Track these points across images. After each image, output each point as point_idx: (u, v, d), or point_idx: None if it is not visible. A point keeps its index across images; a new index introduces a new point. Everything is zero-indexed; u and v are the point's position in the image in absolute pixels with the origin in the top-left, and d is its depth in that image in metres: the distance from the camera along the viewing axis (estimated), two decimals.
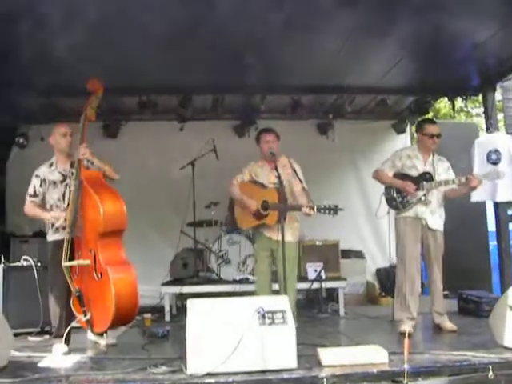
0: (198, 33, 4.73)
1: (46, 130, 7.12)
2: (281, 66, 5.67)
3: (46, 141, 7.01)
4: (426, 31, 4.89)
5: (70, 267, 4.25)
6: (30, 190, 4.46)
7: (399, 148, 7.15)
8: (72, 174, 4.44)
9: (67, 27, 4.32)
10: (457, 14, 4.58)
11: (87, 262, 4.19)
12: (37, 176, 4.48)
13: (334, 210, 4.36)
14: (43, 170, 4.51)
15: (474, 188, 4.74)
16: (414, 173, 4.92)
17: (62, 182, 4.50)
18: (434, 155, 5.01)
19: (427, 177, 4.85)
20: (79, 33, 4.37)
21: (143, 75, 5.64)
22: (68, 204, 4.39)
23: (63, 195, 4.48)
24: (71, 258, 4.26)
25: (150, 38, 4.69)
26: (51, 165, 4.54)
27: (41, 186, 4.45)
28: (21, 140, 7.21)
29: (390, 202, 5.04)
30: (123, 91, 6.19)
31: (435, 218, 4.87)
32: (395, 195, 4.97)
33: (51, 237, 4.49)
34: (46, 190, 4.46)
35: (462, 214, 7.18)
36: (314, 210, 4.44)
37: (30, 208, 4.48)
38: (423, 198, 4.81)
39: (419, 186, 4.83)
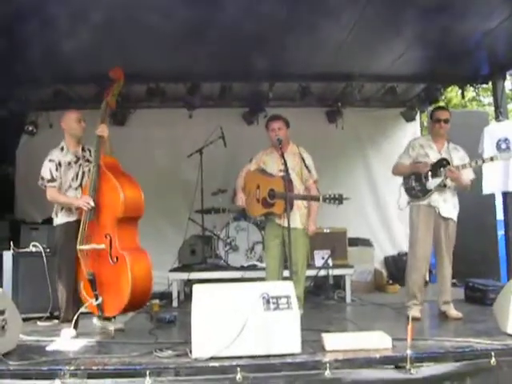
0: (206, 22, 4.74)
1: (55, 117, 7.20)
2: (289, 53, 5.67)
3: (55, 128, 7.17)
4: (435, 19, 4.85)
5: (82, 251, 4.27)
6: (47, 175, 4.39)
7: (410, 137, 7.20)
8: (84, 156, 4.54)
9: (76, 17, 4.36)
10: (467, 2, 4.56)
11: (102, 246, 4.23)
12: (51, 160, 4.42)
13: (339, 199, 4.36)
14: (56, 154, 4.46)
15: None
16: (427, 161, 4.91)
17: (75, 162, 4.52)
18: (448, 143, 4.98)
19: (444, 163, 4.81)
20: (88, 22, 4.40)
21: (152, 63, 5.67)
22: (80, 184, 4.47)
23: (76, 175, 4.51)
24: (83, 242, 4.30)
25: (158, 26, 4.70)
26: (62, 149, 4.52)
27: (57, 170, 4.41)
28: (30, 128, 7.28)
29: (410, 191, 5.02)
30: (132, 79, 6.10)
31: (448, 206, 4.86)
32: (414, 184, 4.97)
33: (62, 219, 4.46)
34: (62, 173, 4.44)
35: (471, 204, 7.14)
36: (319, 199, 4.44)
37: (53, 193, 4.40)
38: (442, 184, 4.79)
39: (437, 172, 4.80)
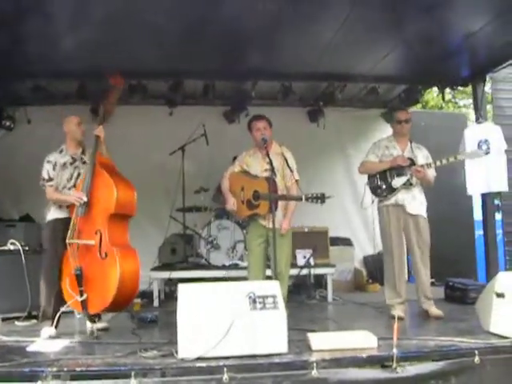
0: (189, 19, 4.69)
1: (32, 112, 7.11)
2: (272, 52, 5.63)
3: (34, 123, 7.06)
4: (418, 21, 4.90)
5: (70, 245, 4.28)
6: (45, 175, 4.54)
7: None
8: (81, 158, 4.66)
9: (60, 13, 4.28)
10: (451, 4, 4.60)
11: (92, 242, 4.25)
12: (48, 161, 4.58)
13: (321, 198, 4.36)
14: (54, 156, 4.62)
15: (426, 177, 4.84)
16: None
17: (71, 163, 4.65)
18: (411, 143, 5.07)
19: (409, 162, 4.91)
20: (71, 19, 4.33)
21: (134, 59, 5.57)
22: (74, 184, 4.57)
23: (71, 175, 4.62)
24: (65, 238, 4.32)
25: (141, 22, 4.65)
26: (61, 151, 4.67)
27: (53, 169, 4.56)
28: (7, 123, 7.13)
29: (375, 190, 5.09)
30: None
31: (416, 203, 4.92)
32: (379, 183, 5.03)
33: (51, 215, 4.56)
34: (58, 173, 4.57)
35: (449, 204, 7.29)
36: (301, 199, 4.44)
37: (52, 193, 4.54)
38: (408, 183, 4.88)
39: (402, 171, 4.89)
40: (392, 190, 4.94)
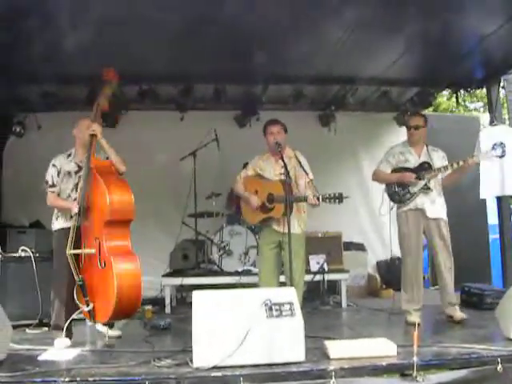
0: (200, 24, 4.69)
1: (43, 118, 7.11)
2: (283, 56, 5.62)
3: (44, 129, 7.05)
4: (431, 24, 4.87)
5: (77, 256, 4.17)
6: (48, 179, 4.42)
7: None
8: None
9: (67, 16, 4.25)
10: (464, 6, 4.56)
11: (92, 250, 4.13)
12: (54, 165, 4.44)
13: (339, 198, 4.32)
14: (60, 160, 4.47)
15: (469, 168, 4.78)
16: (410, 166, 4.94)
17: (76, 172, 4.46)
18: (427, 146, 5.00)
19: (425, 166, 4.87)
20: (79, 22, 4.30)
21: (144, 64, 5.57)
22: (79, 193, 4.37)
23: (76, 185, 4.43)
24: (77, 247, 4.19)
25: (151, 27, 4.63)
26: (69, 155, 4.51)
27: (58, 175, 4.43)
28: (18, 129, 7.12)
29: (393, 196, 5.04)
30: (124, 80, 6.06)
31: (435, 207, 4.85)
32: (397, 189, 4.98)
33: (59, 224, 4.43)
34: (62, 181, 4.43)
35: (462, 208, 7.18)
36: (319, 200, 4.38)
37: (53, 199, 4.42)
38: (425, 187, 4.83)
39: (419, 175, 4.84)
40: (411, 195, 4.88)
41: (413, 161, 4.94)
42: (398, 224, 5.01)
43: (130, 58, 5.29)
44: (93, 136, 4.38)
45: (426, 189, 4.83)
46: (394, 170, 5.01)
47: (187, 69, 5.89)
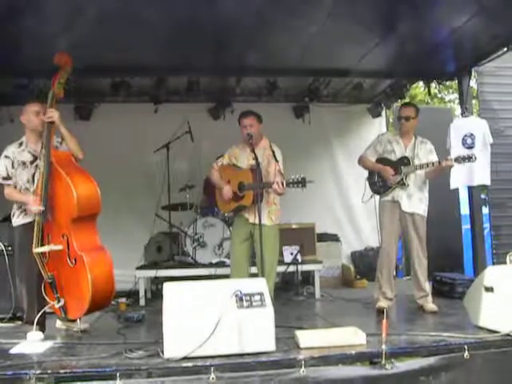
0: (173, 16, 4.64)
1: (15, 111, 6.91)
2: (257, 48, 5.59)
3: (17, 122, 6.91)
4: (402, 16, 4.90)
5: (41, 253, 4.08)
6: (2, 173, 4.23)
7: (376, 132, 7.25)
8: (43, 156, 4.22)
9: (38, 4, 4.19)
10: None
11: (59, 247, 4.02)
12: (6, 157, 4.24)
13: (302, 182, 4.34)
14: (12, 151, 4.27)
15: (446, 169, 4.84)
16: (392, 157, 5.01)
17: (31, 162, 4.27)
18: (416, 138, 5.04)
19: (405, 161, 4.93)
20: (51, 11, 4.24)
21: (117, 55, 5.50)
22: (37, 186, 4.19)
23: (33, 176, 4.27)
24: (41, 243, 4.09)
25: (125, 19, 4.58)
26: (21, 144, 4.32)
27: (12, 167, 4.24)
28: None
29: (372, 186, 5.17)
30: (96, 72, 6.02)
31: (413, 200, 4.92)
32: (377, 180, 5.10)
33: (19, 220, 4.30)
34: (16, 172, 4.26)
35: (436, 199, 7.23)
36: (283, 185, 4.40)
37: (10, 191, 4.24)
38: (401, 182, 4.90)
39: (397, 170, 4.92)
40: (387, 188, 4.99)
41: (398, 152, 4.99)
42: (379, 213, 5.16)
43: (102, 50, 5.24)
44: (51, 123, 4.17)
45: (402, 184, 4.90)
46: (379, 159, 5.08)
47: (160, 60, 5.82)
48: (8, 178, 4.25)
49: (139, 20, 4.63)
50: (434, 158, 4.93)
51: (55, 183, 4.10)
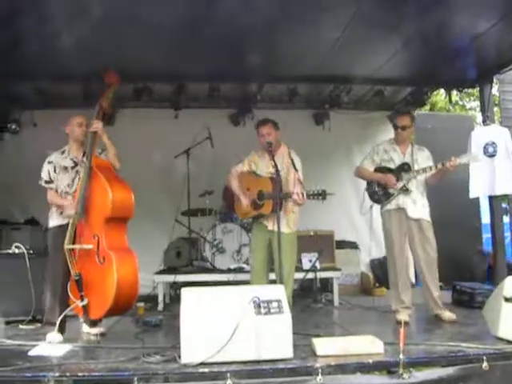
0: (196, 23, 4.69)
1: (38, 115, 7.11)
2: (278, 55, 5.64)
3: (40, 127, 7.06)
4: (425, 23, 4.85)
5: (71, 251, 4.25)
6: (45, 177, 4.52)
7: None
8: (83, 162, 4.48)
9: (63, 14, 4.27)
10: (456, 5, 4.57)
11: (90, 246, 4.21)
12: (49, 162, 4.55)
13: (323, 195, 4.37)
14: (55, 156, 4.58)
15: (450, 170, 4.73)
16: (391, 165, 4.98)
17: (72, 167, 4.57)
18: (412, 145, 5.03)
19: (405, 167, 4.91)
20: (75, 19, 4.30)
21: (139, 62, 5.56)
22: (76, 189, 4.46)
23: (73, 181, 4.54)
24: (73, 243, 4.29)
25: (146, 25, 4.62)
26: (63, 152, 4.62)
27: (54, 171, 4.53)
28: (13, 126, 7.11)
29: (373, 195, 5.11)
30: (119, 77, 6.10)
31: (417, 207, 4.88)
32: (376, 189, 5.05)
33: (55, 221, 4.52)
34: (58, 176, 4.53)
35: (456, 207, 7.22)
36: (303, 196, 4.41)
37: (52, 195, 4.51)
38: (404, 188, 4.86)
39: (398, 176, 4.89)
40: (389, 196, 4.94)
41: (397, 159, 4.97)
42: (382, 223, 5.07)
43: (125, 56, 5.29)
44: (95, 133, 4.48)
45: (405, 190, 4.86)
46: (377, 169, 5.05)
47: (182, 67, 5.88)
48: (50, 181, 4.53)
49: (158, 25, 4.67)
50: (431, 163, 4.89)
51: (93, 185, 4.36)
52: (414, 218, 4.86)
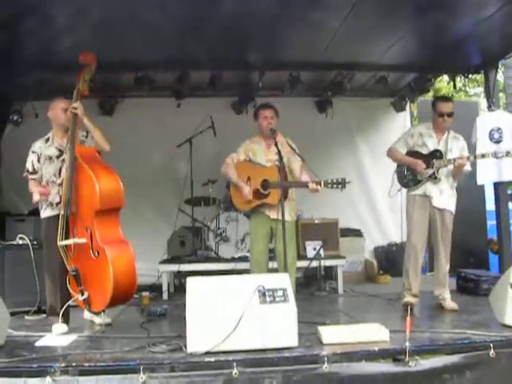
0: (197, 10, 4.63)
1: (40, 106, 7.05)
2: (280, 41, 5.58)
3: (41, 117, 7.01)
4: (428, 8, 4.80)
5: (65, 247, 4.14)
6: (29, 167, 4.39)
7: (399, 127, 7.18)
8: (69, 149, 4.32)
9: (65, 5, 4.23)
10: None
11: (83, 240, 4.09)
12: (33, 152, 4.40)
13: (342, 183, 4.32)
14: (39, 146, 4.42)
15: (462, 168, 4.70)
16: (424, 151, 4.89)
17: (58, 157, 4.38)
18: (449, 133, 4.92)
19: (437, 154, 4.81)
20: (76, 9, 4.27)
21: (141, 51, 5.53)
22: (63, 180, 4.30)
23: (59, 170, 4.37)
24: (66, 236, 4.17)
25: (149, 15, 4.58)
26: (47, 140, 4.44)
27: (38, 161, 4.38)
28: (15, 117, 7.08)
29: (401, 179, 5.03)
30: (119, 67, 6.06)
31: (443, 197, 4.82)
32: (406, 173, 4.97)
33: (44, 213, 4.40)
34: (42, 166, 4.38)
35: (460, 193, 7.17)
36: (321, 185, 4.37)
37: (32, 185, 4.37)
38: (433, 176, 4.79)
39: (429, 163, 4.79)
40: (417, 182, 4.86)
41: (431, 146, 4.87)
42: (407, 206, 5.02)
43: (126, 46, 5.28)
44: (75, 116, 4.26)
45: (434, 178, 4.78)
46: (409, 152, 4.96)
47: (183, 56, 5.84)
48: (34, 172, 4.39)
49: (163, 17, 4.62)
50: (465, 154, 4.82)
51: (79, 177, 4.18)
52: (438, 208, 4.81)
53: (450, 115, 4.82)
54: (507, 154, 4.59)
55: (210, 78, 6.71)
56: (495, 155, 4.66)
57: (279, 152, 4.43)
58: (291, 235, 4.69)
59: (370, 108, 7.87)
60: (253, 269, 4.82)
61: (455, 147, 4.85)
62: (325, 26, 5.20)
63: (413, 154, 4.93)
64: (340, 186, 4.33)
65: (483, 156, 4.75)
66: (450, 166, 4.76)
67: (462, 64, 6.56)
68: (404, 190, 5.08)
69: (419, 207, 4.85)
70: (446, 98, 5.13)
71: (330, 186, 4.35)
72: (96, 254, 4.07)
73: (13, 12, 4.34)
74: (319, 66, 6.58)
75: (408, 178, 4.94)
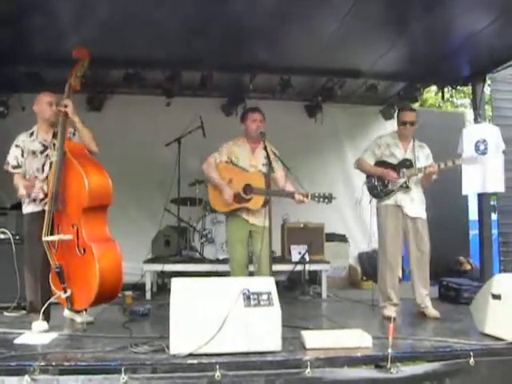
0: (189, 11, 4.63)
1: (27, 99, 6.94)
2: (272, 45, 5.59)
3: (28, 110, 6.92)
4: (420, 20, 4.88)
5: (49, 242, 4.08)
6: (13, 161, 4.28)
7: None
8: (54, 144, 4.27)
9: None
10: (452, 3, 4.57)
11: (69, 236, 4.02)
12: (17, 146, 4.30)
13: (329, 198, 4.40)
14: (23, 140, 4.32)
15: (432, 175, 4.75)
16: (393, 161, 4.93)
17: (42, 152, 4.31)
18: (414, 141, 4.98)
19: (407, 164, 4.86)
20: (67, 4, 4.24)
21: (131, 47, 5.50)
22: (47, 175, 4.24)
23: (43, 166, 4.29)
24: (51, 232, 4.10)
25: (141, 12, 4.57)
26: (32, 134, 4.35)
27: (22, 156, 4.28)
28: (1, 109, 7.00)
29: (372, 190, 5.06)
30: (109, 63, 6.03)
31: (415, 205, 4.86)
32: (376, 183, 5.00)
33: (26, 209, 4.30)
34: (26, 160, 4.29)
35: (444, 203, 7.26)
36: (307, 197, 4.40)
37: (17, 180, 4.26)
38: (404, 185, 4.83)
39: (399, 173, 4.84)
40: (389, 192, 4.90)
41: (399, 155, 4.92)
42: (377, 217, 5.02)
43: (116, 42, 5.24)
44: (65, 114, 4.18)
45: (405, 187, 4.83)
46: (378, 163, 5.00)
47: (174, 55, 5.83)
48: (18, 166, 4.29)
49: (154, 15, 4.62)
50: (433, 162, 4.87)
51: (68, 173, 4.11)
52: (410, 216, 4.84)
53: (412, 124, 4.89)
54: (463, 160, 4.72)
55: (200, 78, 6.71)
56: (454, 162, 4.71)
57: (268, 156, 4.41)
58: (267, 240, 4.63)
59: (359, 115, 7.93)
60: (234, 272, 4.79)
61: (422, 155, 4.92)
62: (317, 32, 5.28)
63: (381, 164, 4.97)
64: (326, 201, 4.41)
65: (454, 163, 4.74)
66: (420, 174, 4.82)
67: (451, 76, 6.67)
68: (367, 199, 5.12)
69: (392, 217, 4.87)
70: (409, 109, 5.24)
71: (316, 199, 4.42)
72: (82, 251, 3.99)
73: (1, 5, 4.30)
74: (310, 72, 6.63)
75: (379, 188, 4.97)
